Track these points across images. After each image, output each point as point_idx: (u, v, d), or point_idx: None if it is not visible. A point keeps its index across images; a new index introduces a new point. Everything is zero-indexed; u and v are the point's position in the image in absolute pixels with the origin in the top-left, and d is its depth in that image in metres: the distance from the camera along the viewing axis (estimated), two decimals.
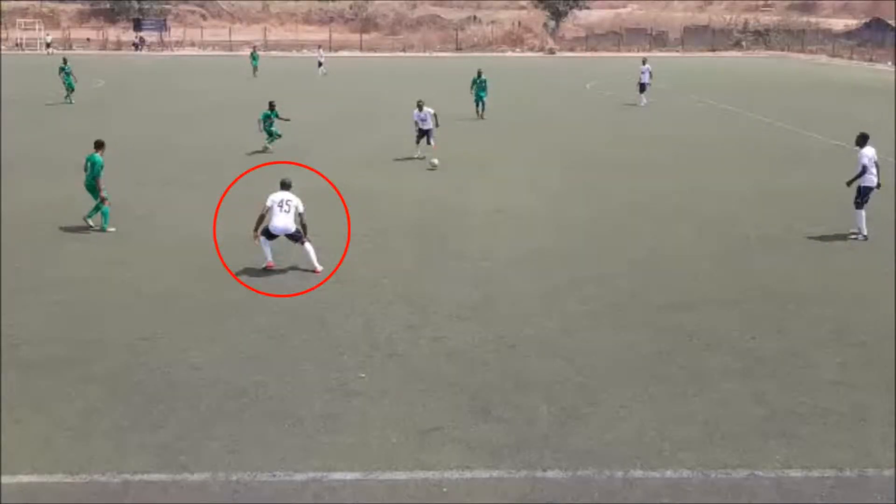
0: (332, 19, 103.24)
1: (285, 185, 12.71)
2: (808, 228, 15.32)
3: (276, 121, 23.23)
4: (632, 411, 8.29)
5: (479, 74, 31.29)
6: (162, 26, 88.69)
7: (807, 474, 7.20)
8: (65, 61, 35.77)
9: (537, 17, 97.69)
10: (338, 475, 7.12)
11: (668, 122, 30.65)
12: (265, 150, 23.05)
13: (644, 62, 36.61)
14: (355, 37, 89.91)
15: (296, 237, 12.42)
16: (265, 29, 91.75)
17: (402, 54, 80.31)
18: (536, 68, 61.41)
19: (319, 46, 62.25)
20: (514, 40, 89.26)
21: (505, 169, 21.11)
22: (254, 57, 51.56)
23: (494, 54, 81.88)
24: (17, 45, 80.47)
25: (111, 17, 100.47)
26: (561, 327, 10.51)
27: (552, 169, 21.18)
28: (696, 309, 11.17)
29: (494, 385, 8.84)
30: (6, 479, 7.04)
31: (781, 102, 37.70)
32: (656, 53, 76.36)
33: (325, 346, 9.85)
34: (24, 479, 7.06)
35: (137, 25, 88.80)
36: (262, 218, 12.36)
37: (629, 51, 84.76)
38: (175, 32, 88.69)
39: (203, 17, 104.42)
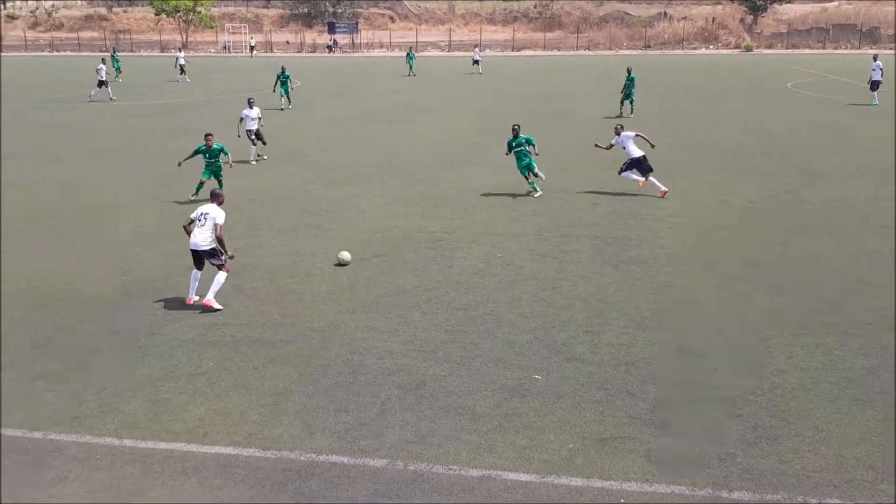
0: (515, 19, 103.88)
1: (213, 197, 11.52)
2: None
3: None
4: (829, 434, 7.64)
5: (629, 72, 30.80)
6: (354, 29, 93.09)
7: None
8: (283, 69, 35.08)
9: (733, 12, 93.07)
10: (512, 475, 7.08)
11: (875, 124, 28.11)
12: (536, 180, 17.88)
13: (875, 58, 34.24)
14: (539, 35, 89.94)
15: (211, 255, 11.21)
16: (450, 29, 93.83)
17: (586, 52, 79.32)
18: (731, 66, 58.47)
19: (476, 46, 63.52)
20: (707, 37, 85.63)
21: (691, 173, 20.22)
22: (410, 57, 53.70)
23: (685, 52, 78.96)
24: (224, 47, 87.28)
25: (308, 21, 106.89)
26: (751, 340, 9.88)
27: (744, 173, 20.03)
28: None
29: (678, 397, 8.46)
30: (206, 449, 7.61)
31: None
32: (867, 50, 70.42)
33: (501, 344, 9.86)
34: (223, 450, 7.59)
35: (331, 28, 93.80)
36: (186, 230, 11.35)
37: (836, 47, 78.89)
38: (365, 34, 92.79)
39: (392, 19, 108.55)
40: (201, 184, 17.21)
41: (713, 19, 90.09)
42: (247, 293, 11.79)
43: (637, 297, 11.38)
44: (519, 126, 17.74)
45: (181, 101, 38.94)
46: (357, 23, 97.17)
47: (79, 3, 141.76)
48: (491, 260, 13.19)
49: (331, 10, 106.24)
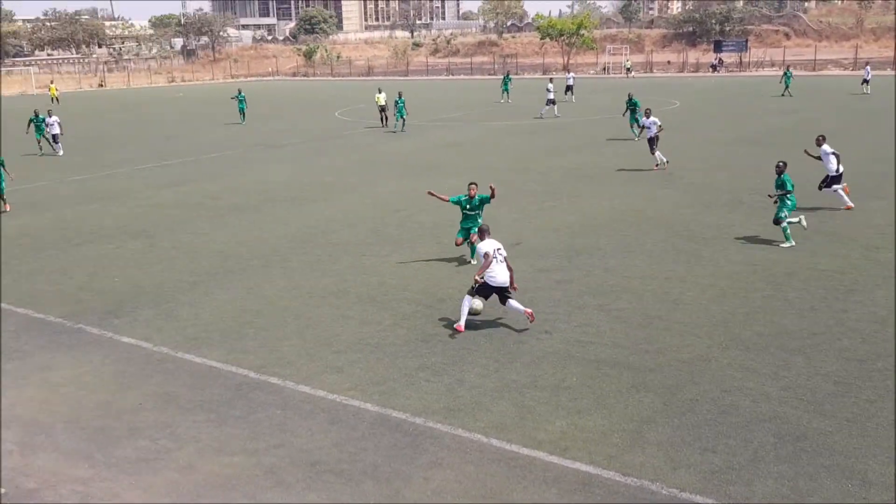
0: None
1: (485, 233, 11.53)
2: None
3: None
4: None
5: None
6: (742, 47, 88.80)
7: None
8: (630, 97, 32.61)
9: None
10: None
11: None
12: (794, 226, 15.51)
13: None
14: None
15: (506, 288, 11.16)
16: (856, 46, 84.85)
17: None
18: None
19: (867, 63, 56.34)
20: None
21: None
22: (787, 76, 50.27)
23: None
24: (603, 69, 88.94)
25: (692, 40, 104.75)
26: None
27: None
28: None
29: None
30: (566, 463, 7.65)
31: None
32: None
33: None
34: (582, 467, 7.57)
35: (717, 47, 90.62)
36: (487, 267, 10.95)
37: None
38: (755, 52, 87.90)
39: (787, 35, 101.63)
40: (469, 242, 14.32)
41: None
42: (612, 314, 11.73)
43: None
44: (784, 163, 15.19)
45: (561, 120, 40.46)
46: (747, 41, 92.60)
47: (474, 30, 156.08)
48: None
49: (718, 28, 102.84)
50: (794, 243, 14.93)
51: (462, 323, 11.26)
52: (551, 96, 41.23)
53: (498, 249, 11.15)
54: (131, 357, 10.71)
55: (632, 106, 32.11)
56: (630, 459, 7.66)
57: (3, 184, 20.59)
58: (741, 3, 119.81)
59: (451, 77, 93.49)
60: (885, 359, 9.73)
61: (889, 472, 7.25)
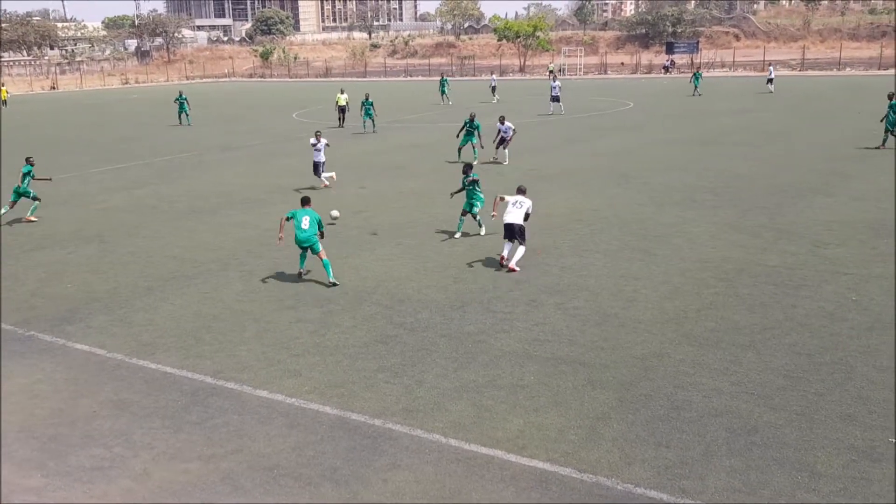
0: (884, 34, 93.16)
1: (521, 191, 14.68)
2: None
3: None
4: None
5: (891, 99, 25.70)
6: (694, 48, 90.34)
7: None
8: (473, 118, 26.43)
9: None
10: None
11: None
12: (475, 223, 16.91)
13: None
14: None
15: (521, 233, 14.11)
16: (803, 47, 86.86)
17: None
18: None
19: (770, 64, 59.06)
20: None
21: None
22: (696, 77, 52.91)
23: None
24: (560, 70, 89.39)
25: (645, 42, 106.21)
26: None
27: None
28: None
29: None
30: (524, 461, 7.74)
31: None
32: None
33: (851, 398, 8.75)
34: (539, 465, 7.68)
35: (669, 48, 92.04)
36: (494, 205, 15.05)
37: None
38: (706, 54, 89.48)
39: (736, 37, 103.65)
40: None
41: None
42: (569, 313, 11.87)
43: None
44: (471, 165, 17.22)
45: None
46: (698, 42, 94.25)
47: (431, 32, 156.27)
48: (843, 302, 11.83)
49: (670, 29, 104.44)
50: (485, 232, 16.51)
51: (504, 254, 14.28)
52: (556, 93, 42.45)
53: (520, 201, 14.33)
54: (84, 364, 10.55)
55: (472, 128, 26.47)
56: (586, 456, 7.78)
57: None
58: (692, 4, 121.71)
59: (409, 78, 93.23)
60: (833, 352, 10.01)
61: (837, 462, 7.48)
